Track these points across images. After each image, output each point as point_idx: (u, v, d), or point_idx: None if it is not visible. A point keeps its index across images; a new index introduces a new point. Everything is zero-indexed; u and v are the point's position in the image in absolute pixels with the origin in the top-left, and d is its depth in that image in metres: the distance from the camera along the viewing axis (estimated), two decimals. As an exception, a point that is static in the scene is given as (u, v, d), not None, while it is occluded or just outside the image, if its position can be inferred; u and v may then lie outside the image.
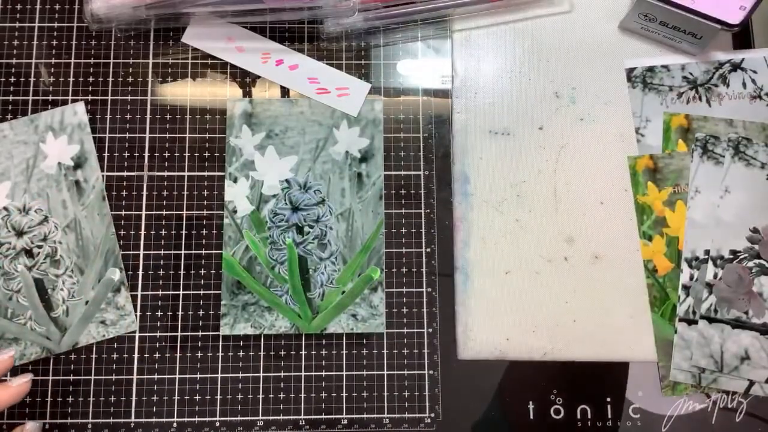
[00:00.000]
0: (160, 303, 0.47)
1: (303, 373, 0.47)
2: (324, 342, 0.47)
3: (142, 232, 0.48)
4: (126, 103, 0.50)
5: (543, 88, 0.51)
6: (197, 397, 0.46)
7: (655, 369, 0.47)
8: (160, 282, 0.48)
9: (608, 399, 0.47)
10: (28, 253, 0.47)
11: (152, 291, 0.48)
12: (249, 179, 0.49)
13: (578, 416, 0.47)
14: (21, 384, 0.40)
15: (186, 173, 0.49)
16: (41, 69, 0.50)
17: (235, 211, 0.48)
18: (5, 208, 0.48)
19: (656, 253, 0.48)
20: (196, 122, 0.50)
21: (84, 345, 0.47)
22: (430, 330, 0.48)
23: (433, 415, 0.47)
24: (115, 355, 0.47)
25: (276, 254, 0.48)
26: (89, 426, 0.46)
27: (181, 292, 0.48)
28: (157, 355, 0.47)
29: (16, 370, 0.46)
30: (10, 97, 0.50)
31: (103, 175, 0.49)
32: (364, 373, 0.47)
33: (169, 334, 0.47)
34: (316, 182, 0.49)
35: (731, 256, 0.47)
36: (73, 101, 0.50)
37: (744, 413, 0.47)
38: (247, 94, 0.50)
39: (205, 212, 0.49)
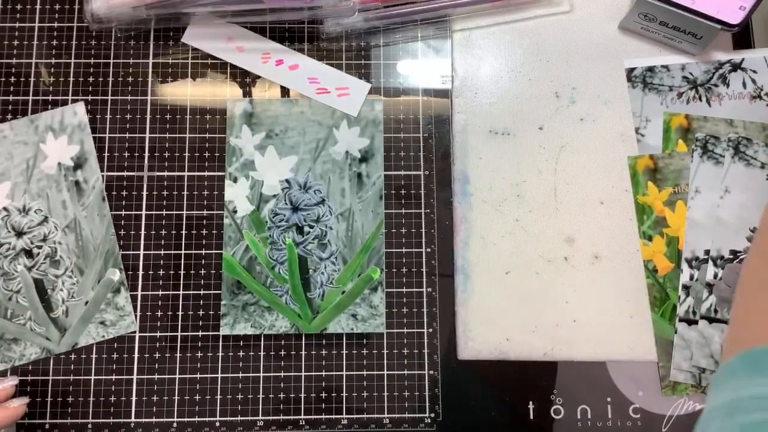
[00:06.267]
0: (160, 303, 0.47)
1: (303, 373, 0.47)
2: (324, 342, 0.47)
3: (142, 232, 0.48)
4: (126, 103, 0.50)
5: (543, 88, 0.51)
6: (197, 397, 0.46)
7: (655, 369, 0.47)
8: (160, 282, 0.48)
9: (608, 399, 0.47)
10: (28, 253, 0.47)
11: (152, 291, 0.48)
12: (249, 179, 0.49)
13: (578, 416, 0.47)
14: (18, 406, 0.42)
15: (186, 173, 0.49)
16: (41, 69, 0.50)
17: (235, 211, 0.48)
18: (5, 209, 0.48)
19: (656, 253, 0.48)
20: (196, 122, 0.50)
21: (84, 345, 0.47)
22: (430, 330, 0.48)
23: (433, 415, 0.47)
24: (115, 355, 0.47)
25: (276, 254, 0.48)
26: (89, 426, 0.46)
27: (181, 292, 0.48)
28: (157, 355, 0.47)
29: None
30: (10, 97, 0.50)
31: (103, 176, 0.49)
32: (364, 373, 0.47)
33: (169, 334, 0.47)
34: (316, 182, 0.49)
35: (731, 256, 0.47)
36: (73, 101, 0.50)
37: (744, 413, 0.47)
38: (247, 94, 0.50)
39: (205, 212, 0.49)
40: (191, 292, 0.48)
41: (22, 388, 0.46)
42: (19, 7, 0.51)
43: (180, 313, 0.47)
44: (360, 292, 0.48)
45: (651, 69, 0.51)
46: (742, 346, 0.27)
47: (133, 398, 0.46)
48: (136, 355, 0.47)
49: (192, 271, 0.48)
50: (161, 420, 0.46)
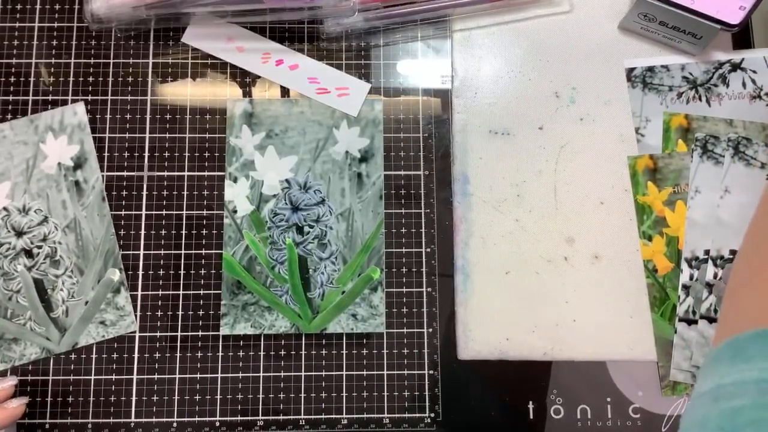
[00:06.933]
0: (160, 303, 0.47)
1: (303, 373, 0.47)
2: (324, 342, 0.47)
3: (142, 232, 0.48)
4: (126, 103, 0.50)
5: (543, 88, 0.51)
6: (197, 397, 0.46)
7: (655, 369, 0.47)
8: (160, 282, 0.48)
9: (608, 399, 0.47)
10: (28, 253, 0.47)
11: (152, 291, 0.48)
12: (249, 179, 0.49)
13: (578, 416, 0.47)
14: (17, 406, 0.42)
15: (186, 173, 0.49)
16: (41, 69, 0.50)
17: (235, 211, 0.48)
18: (5, 209, 0.48)
19: (656, 253, 0.48)
20: (196, 122, 0.50)
21: (84, 345, 0.47)
22: (430, 330, 0.48)
23: (433, 415, 0.47)
24: (115, 355, 0.47)
25: (276, 254, 0.48)
26: (89, 426, 0.46)
27: (181, 292, 0.48)
28: (157, 355, 0.47)
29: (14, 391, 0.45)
30: (10, 97, 0.50)
31: (103, 176, 0.49)
32: (364, 373, 0.47)
33: (169, 334, 0.47)
34: (316, 182, 0.49)
35: (731, 256, 0.47)
36: (73, 101, 0.50)
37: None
38: (247, 94, 0.50)
39: (205, 212, 0.49)
40: (191, 292, 0.48)
41: (22, 388, 0.46)
42: (19, 7, 0.51)
43: (180, 313, 0.47)
44: (360, 292, 0.48)
45: (651, 69, 0.51)
46: (729, 333, 0.27)
47: (133, 398, 0.46)
48: (136, 355, 0.47)
49: (192, 271, 0.48)
50: (161, 420, 0.46)
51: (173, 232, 0.48)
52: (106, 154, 0.49)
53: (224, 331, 0.47)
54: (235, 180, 0.49)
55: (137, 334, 0.47)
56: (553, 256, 0.48)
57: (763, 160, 0.48)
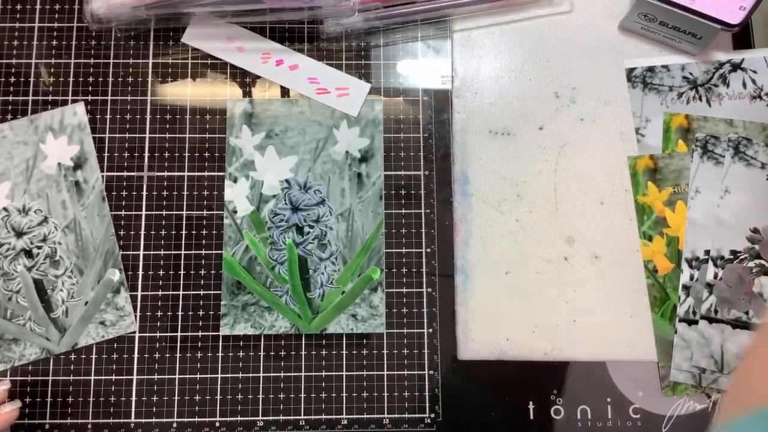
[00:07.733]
0: (160, 303, 0.47)
1: (303, 373, 0.47)
2: (324, 342, 0.47)
3: (142, 232, 0.48)
4: (126, 103, 0.50)
5: (543, 88, 0.51)
6: (197, 397, 0.46)
7: (655, 369, 0.47)
8: (160, 282, 0.48)
9: (608, 399, 0.47)
10: (28, 253, 0.47)
11: (152, 291, 0.47)
12: (249, 179, 0.49)
13: (578, 416, 0.47)
14: (10, 411, 0.42)
15: (186, 173, 0.49)
16: (41, 69, 0.50)
17: (235, 212, 0.48)
18: (5, 209, 0.48)
19: (656, 253, 0.48)
20: (196, 122, 0.50)
21: (84, 345, 0.47)
22: (430, 330, 0.48)
23: (433, 415, 0.47)
24: (115, 355, 0.47)
25: (276, 254, 0.48)
26: (89, 426, 0.46)
27: (181, 292, 0.48)
28: (157, 355, 0.47)
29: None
30: (10, 97, 0.50)
31: (103, 176, 0.49)
32: (364, 373, 0.47)
33: (169, 334, 0.47)
34: (316, 182, 0.49)
35: (731, 257, 0.47)
36: (73, 101, 0.50)
37: (744, 413, 0.47)
38: (247, 94, 0.50)
39: (205, 212, 0.49)
40: (191, 292, 0.48)
41: (22, 388, 0.46)
42: (19, 7, 0.51)
43: (180, 313, 0.47)
44: (360, 292, 0.48)
45: (651, 69, 0.51)
46: (754, 402, 0.27)
47: (133, 398, 0.46)
48: (136, 355, 0.47)
49: (192, 271, 0.48)
50: (161, 420, 0.46)
51: (173, 232, 0.48)
52: (106, 154, 0.49)
53: (224, 331, 0.47)
54: (235, 180, 0.49)
55: (137, 334, 0.47)
56: (553, 256, 0.48)
57: (764, 160, 0.48)
